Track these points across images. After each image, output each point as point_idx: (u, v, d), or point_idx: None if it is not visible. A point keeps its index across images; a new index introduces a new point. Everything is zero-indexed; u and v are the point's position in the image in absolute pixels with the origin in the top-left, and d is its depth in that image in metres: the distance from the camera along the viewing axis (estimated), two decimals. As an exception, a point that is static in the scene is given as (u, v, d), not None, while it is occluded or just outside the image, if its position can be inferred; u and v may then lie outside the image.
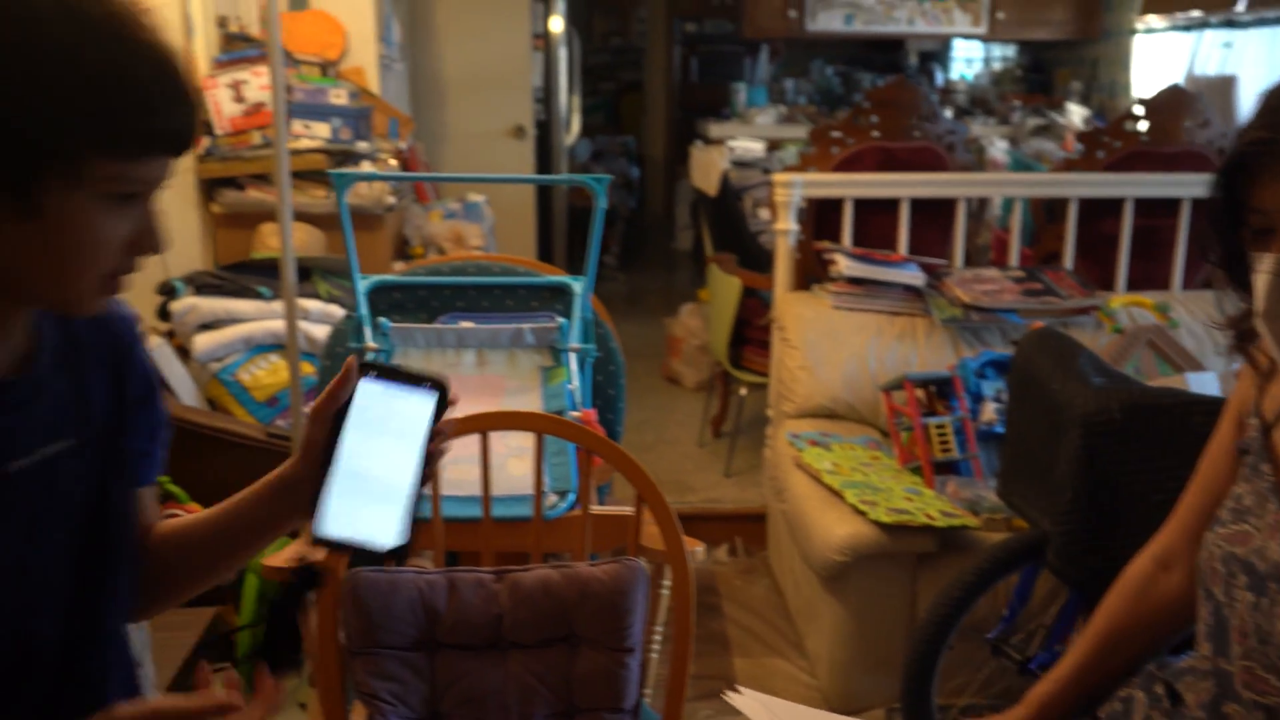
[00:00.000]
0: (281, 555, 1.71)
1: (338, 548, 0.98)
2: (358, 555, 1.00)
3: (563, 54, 5.83)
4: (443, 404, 0.99)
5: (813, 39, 6.73)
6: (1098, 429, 2.00)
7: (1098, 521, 2.01)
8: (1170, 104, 3.40)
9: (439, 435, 0.99)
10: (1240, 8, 4.44)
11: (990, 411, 2.77)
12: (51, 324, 0.95)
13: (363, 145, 3.38)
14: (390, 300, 2.28)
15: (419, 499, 0.98)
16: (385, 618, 1.48)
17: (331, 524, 0.96)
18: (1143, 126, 3.43)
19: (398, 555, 0.97)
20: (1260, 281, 1.01)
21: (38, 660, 0.92)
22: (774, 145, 5.35)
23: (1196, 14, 4.82)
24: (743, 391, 3.89)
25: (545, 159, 5.80)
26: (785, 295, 3.23)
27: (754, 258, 3.97)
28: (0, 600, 0.88)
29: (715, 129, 6.24)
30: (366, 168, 3.33)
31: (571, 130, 6.12)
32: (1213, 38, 4.82)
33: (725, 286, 3.76)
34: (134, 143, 0.82)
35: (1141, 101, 3.49)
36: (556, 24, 5.73)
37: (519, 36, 5.31)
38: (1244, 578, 1.08)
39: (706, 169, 4.90)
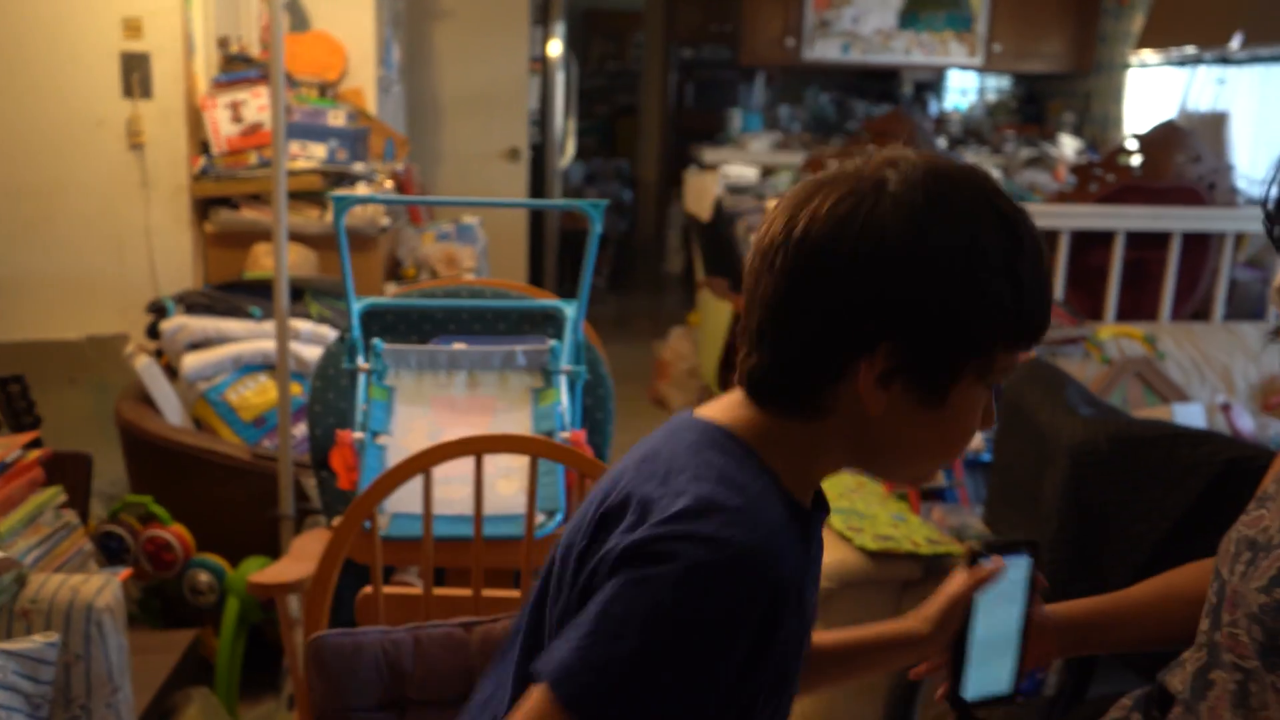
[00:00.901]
0: (265, 574, 1.71)
1: (974, 707, 1.15)
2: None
3: (560, 78, 5.87)
4: (1036, 563, 1.14)
5: (809, 67, 6.78)
6: (1085, 459, 2.01)
7: (1083, 550, 2.02)
8: (1163, 139, 3.43)
9: (1036, 593, 1.15)
10: (1234, 45, 4.49)
11: (978, 440, 2.78)
12: None
13: (359, 166, 3.39)
14: (383, 322, 2.28)
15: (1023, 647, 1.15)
16: (351, 680, 1.47)
17: (970, 689, 1.13)
18: (1135, 160, 3.46)
19: (1012, 700, 1.16)
20: None
21: None
22: (768, 171, 5.39)
23: (1191, 50, 4.87)
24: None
25: (539, 182, 5.83)
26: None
27: (746, 283, 3.98)
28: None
29: (710, 154, 6.27)
30: (362, 189, 3.34)
31: (566, 153, 6.15)
32: (1206, 74, 4.87)
33: (716, 310, 3.77)
34: (1031, 338, 0.92)
35: (1135, 136, 3.52)
36: (555, 48, 5.77)
37: (517, 60, 5.35)
38: (1247, 554, 1.13)
39: (700, 194, 4.93)
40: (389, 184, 3.46)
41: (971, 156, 5.89)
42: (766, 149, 6.33)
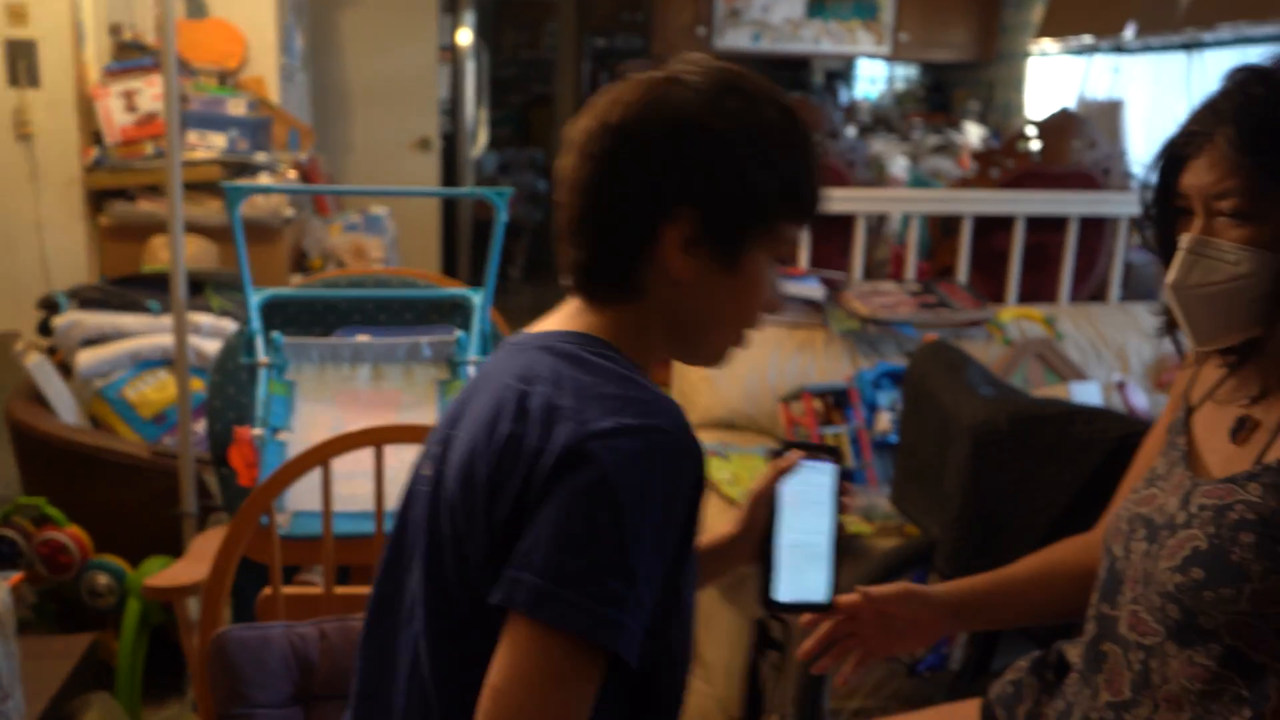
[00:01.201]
0: (160, 576, 1.66)
1: (787, 610, 1.18)
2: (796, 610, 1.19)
3: (470, 66, 5.81)
4: (840, 470, 1.18)
5: (721, 56, 6.80)
6: (985, 438, 2.05)
7: (985, 527, 2.06)
8: (1059, 126, 3.52)
9: (844, 499, 1.18)
10: (1128, 34, 4.62)
11: (885, 422, 2.83)
12: None
13: (261, 156, 3.32)
14: (285, 314, 2.24)
15: (837, 558, 1.16)
16: (258, 674, 1.44)
17: (783, 592, 1.15)
18: (1034, 147, 3.54)
19: (829, 610, 1.18)
20: (1177, 257, 1.12)
21: None
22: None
23: (1087, 39, 5.01)
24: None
25: (451, 171, 5.76)
26: (688, 309, 3.25)
27: (659, 272, 3.98)
28: None
29: (623, 143, 6.26)
30: (265, 179, 3.27)
31: (478, 143, 6.10)
32: (1102, 62, 5.01)
33: (630, 300, 3.77)
34: (807, 212, 1.03)
35: (1033, 123, 3.61)
36: (464, 36, 5.71)
37: (426, 48, 5.28)
38: (1143, 530, 1.17)
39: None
40: (292, 174, 3.40)
41: (880, 144, 5.98)
42: (679, 137, 6.34)
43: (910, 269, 3.48)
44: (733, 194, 0.97)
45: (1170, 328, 1.23)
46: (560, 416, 0.90)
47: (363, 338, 2.03)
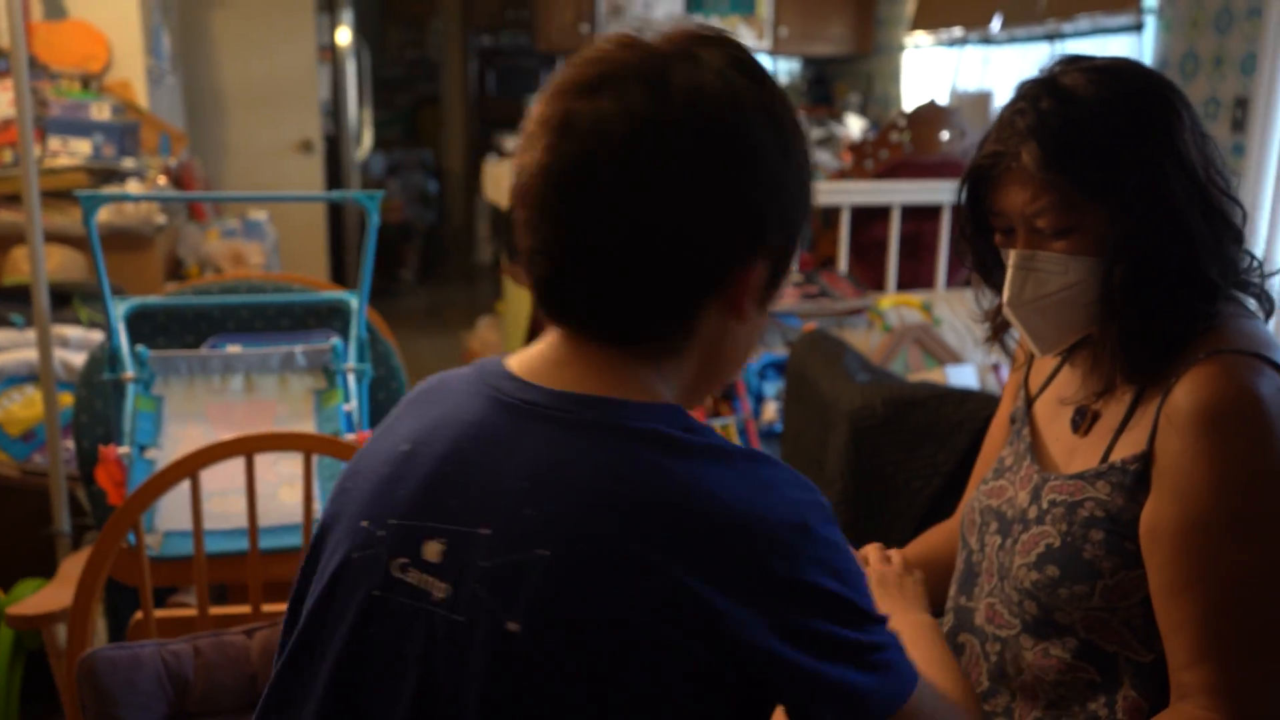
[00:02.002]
0: (26, 604, 1.60)
1: None
2: None
3: (351, 66, 5.71)
4: None
5: (606, 52, 6.81)
6: (862, 423, 2.11)
7: (867, 509, 2.12)
8: (929, 117, 3.62)
9: None
10: (995, 27, 4.77)
11: (771, 411, 2.88)
12: None
13: (128, 162, 3.21)
14: (154, 324, 2.18)
15: None
16: (129, 695, 1.39)
17: None
18: (905, 138, 3.64)
19: None
20: (1009, 274, 1.13)
21: None
22: (570, 157, 5.39)
23: (958, 32, 5.15)
24: (541, 403, 3.89)
25: (336, 174, 5.66)
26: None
27: (548, 270, 3.98)
28: None
29: (511, 142, 6.24)
30: (133, 186, 3.17)
31: (363, 144, 6.00)
32: (973, 54, 5.17)
33: (518, 297, 3.76)
34: (800, 245, 0.88)
35: (904, 114, 3.70)
36: (344, 36, 5.60)
37: (303, 48, 5.17)
38: (995, 524, 1.20)
39: (498, 181, 4.89)
40: (162, 180, 3.29)
41: (766, 137, 6.06)
42: (567, 135, 6.33)
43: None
44: (797, 227, 0.85)
45: (997, 333, 1.25)
46: (743, 537, 0.74)
47: (234, 348, 1.99)
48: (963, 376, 2.90)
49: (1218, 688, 0.97)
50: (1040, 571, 1.10)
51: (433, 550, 0.77)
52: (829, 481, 2.15)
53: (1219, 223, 1.07)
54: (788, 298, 3.16)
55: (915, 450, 2.12)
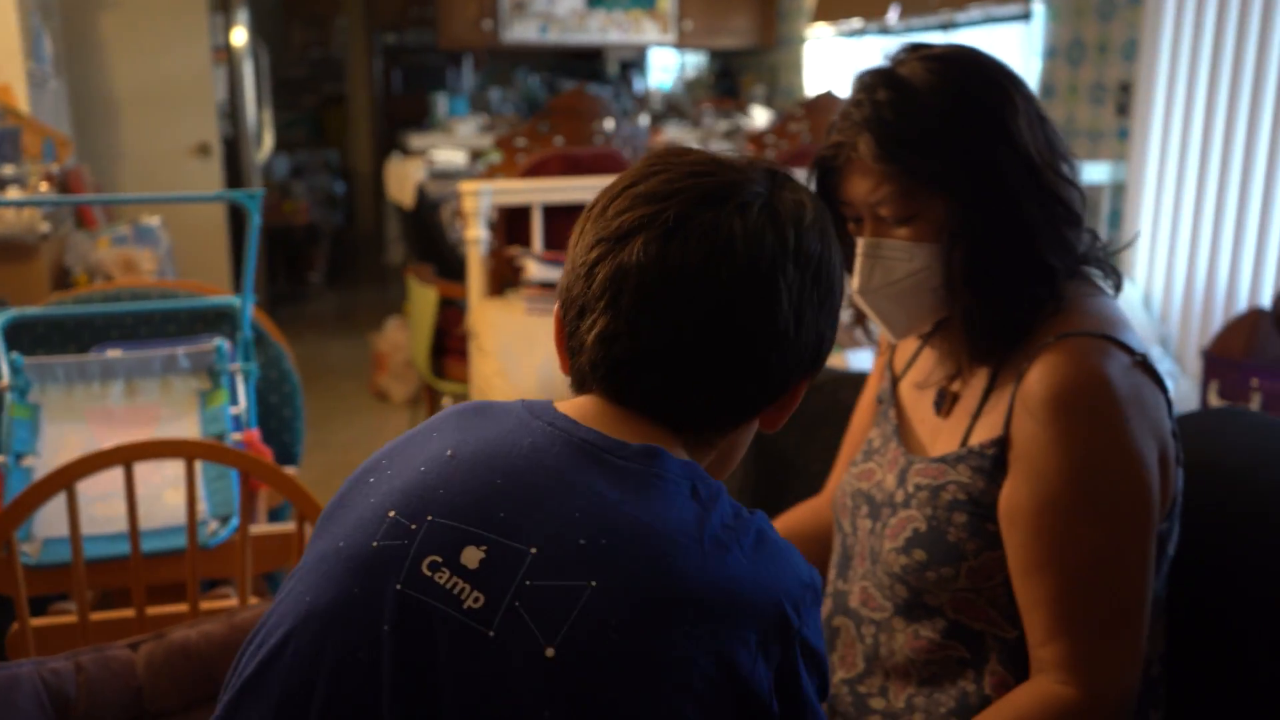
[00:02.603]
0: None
1: None
2: None
3: (248, 67, 5.58)
4: None
5: (513, 49, 6.79)
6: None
7: (767, 493, 2.14)
8: (824, 106, 3.67)
9: None
10: (892, 18, 4.86)
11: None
12: None
13: (9, 169, 3.10)
14: (34, 334, 2.11)
15: None
16: (9, 717, 1.35)
17: None
18: (805, 128, 3.68)
19: None
20: (857, 262, 1.14)
21: None
22: (478, 155, 5.36)
23: (857, 24, 5.24)
24: (447, 402, 3.87)
25: (236, 177, 5.54)
26: (479, 303, 3.23)
27: (454, 268, 3.95)
28: None
29: (417, 140, 6.17)
30: (13, 193, 3.06)
31: (264, 146, 5.87)
32: (872, 45, 5.25)
33: (422, 297, 3.72)
34: None
35: (801, 105, 3.75)
36: (239, 36, 5.48)
37: (197, 49, 5.04)
38: (865, 507, 1.21)
39: (401, 181, 4.84)
40: (45, 187, 3.19)
41: (673, 131, 6.09)
42: (474, 133, 6.29)
43: (696, 251, 3.56)
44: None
45: (860, 319, 1.28)
46: (776, 600, 0.76)
47: (114, 353, 1.93)
48: (861, 361, 2.94)
49: (1071, 663, 1.00)
50: (908, 555, 1.12)
51: (472, 556, 0.74)
52: (736, 468, 2.17)
53: (1056, 208, 1.09)
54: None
55: (815, 434, 2.15)
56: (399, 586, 0.74)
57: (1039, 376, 1.04)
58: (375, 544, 0.76)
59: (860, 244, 1.13)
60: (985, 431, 1.10)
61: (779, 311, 0.81)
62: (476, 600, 0.72)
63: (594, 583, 0.72)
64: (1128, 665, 1.01)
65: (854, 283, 1.14)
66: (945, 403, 1.18)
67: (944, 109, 1.07)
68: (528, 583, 0.72)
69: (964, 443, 1.12)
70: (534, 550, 0.73)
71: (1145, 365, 1.05)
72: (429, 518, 0.76)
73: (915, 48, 1.12)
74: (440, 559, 0.74)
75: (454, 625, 0.72)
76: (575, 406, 0.85)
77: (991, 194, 1.06)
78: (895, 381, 1.29)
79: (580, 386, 0.86)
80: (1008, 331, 1.09)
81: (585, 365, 0.84)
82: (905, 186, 1.08)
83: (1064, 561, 1.01)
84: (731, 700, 0.73)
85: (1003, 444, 1.07)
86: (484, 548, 0.74)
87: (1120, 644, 1.00)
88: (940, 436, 1.17)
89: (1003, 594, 1.08)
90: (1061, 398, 1.02)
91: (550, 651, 0.70)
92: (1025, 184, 1.07)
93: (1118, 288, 1.15)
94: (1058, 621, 1.01)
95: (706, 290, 0.79)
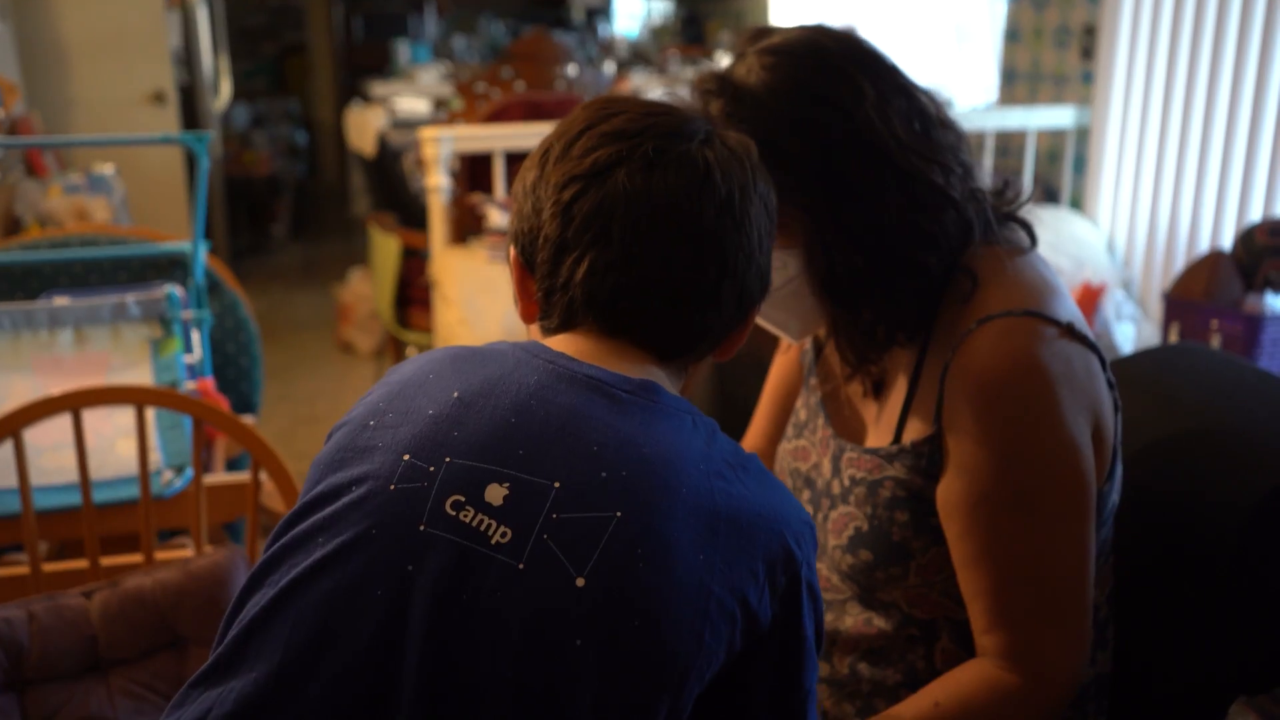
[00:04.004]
0: None
1: None
2: None
3: (203, 13, 5.45)
4: None
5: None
6: (727, 368, 2.12)
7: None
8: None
9: None
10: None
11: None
12: None
13: (-48, 115, 3.01)
14: (-20, 283, 2.06)
15: None
16: None
17: None
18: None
19: None
20: None
21: None
22: (441, 103, 5.27)
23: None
24: (412, 352, 3.84)
25: (193, 126, 5.42)
26: (441, 251, 3.19)
27: (416, 217, 3.90)
28: None
29: (379, 88, 6.06)
30: (-42, 140, 2.98)
31: (221, 95, 5.75)
32: (837, -12, 5.19)
33: (385, 247, 3.68)
34: None
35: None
36: (193, -20, 5.34)
37: (149, -6, 4.91)
38: (806, 492, 1.18)
39: (362, 129, 4.76)
40: (-9, 133, 3.10)
41: (639, 78, 6.02)
42: (437, 81, 6.19)
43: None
44: None
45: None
46: (780, 530, 0.80)
47: (62, 300, 1.89)
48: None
49: (1011, 652, 0.99)
50: (854, 555, 1.09)
51: (495, 494, 0.75)
52: (694, 413, 2.16)
53: (924, 191, 1.02)
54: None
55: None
56: (422, 527, 0.75)
57: (965, 367, 0.99)
58: (393, 487, 0.77)
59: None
60: (918, 425, 1.06)
61: (751, 237, 0.86)
62: (504, 535, 0.74)
63: (619, 513, 0.74)
64: (1071, 651, 0.99)
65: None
66: (866, 384, 1.13)
67: (779, 112, 1.01)
68: (554, 516, 0.74)
69: (897, 438, 1.07)
70: (557, 485, 0.75)
71: (1072, 331, 1.01)
72: (447, 459, 0.77)
73: (759, 34, 1.06)
74: (463, 498, 0.76)
75: (483, 559, 0.73)
76: (567, 343, 0.86)
77: (839, 199, 1.01)
78: (820, 346, 1.23)
79: (567, 324, 0.87)
80: (878, 337, 1.05)
81: (579, 300, 0.85)
82: None
83: (1000, 554, 0.99)
84: (740, 633, 0.77)
85: (936, 440, 1.03)
86: (507, 485, 0.76)
87: (1061, 631, 0.99)
88: (869, 420, 1.13)
89: (955, 583, 1.05)
90: (990, 389, 0.98)
91: (581, 581, 0.73)
92: (878, 179, 1.01)
93: (1033, 240, 1.10)
94: (997, 612, 0.99)
95: (694, 217, 0.83)
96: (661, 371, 0.86)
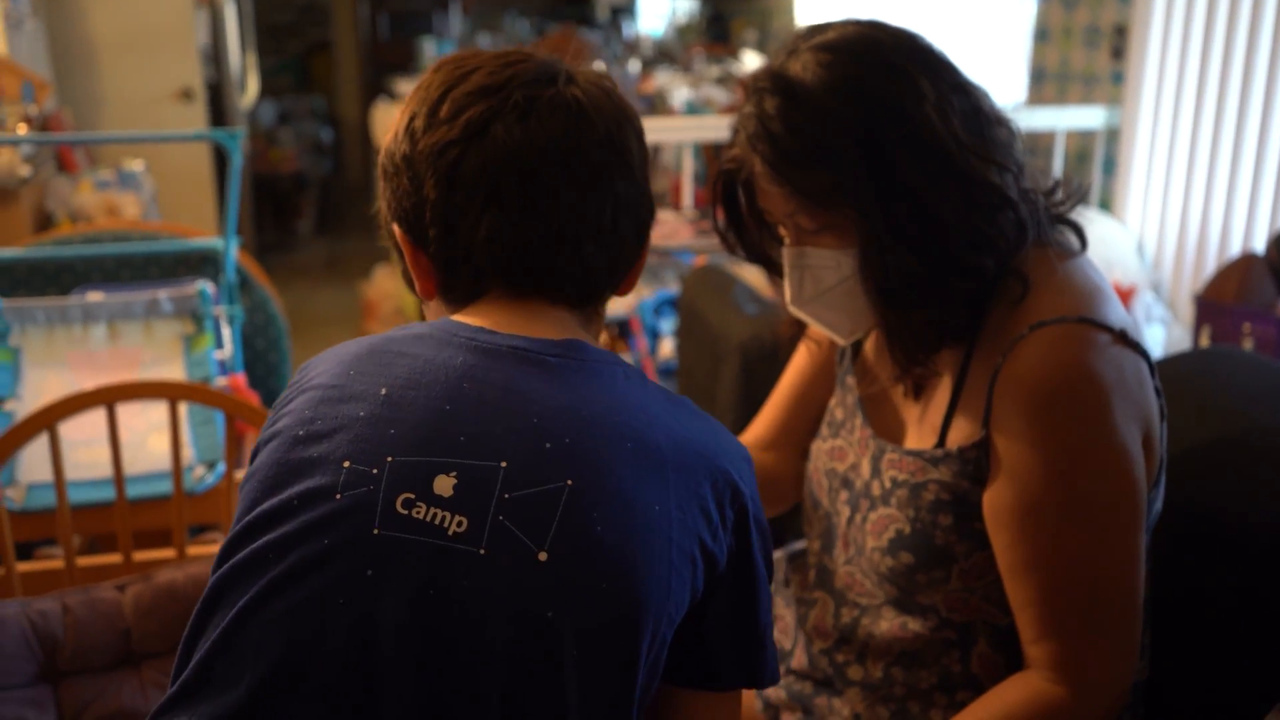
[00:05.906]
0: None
1: None
2: None
3: (231, 10, 5.48)
4: None
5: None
6: (753, 354, 2.11)
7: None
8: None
9: None
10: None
11: (668, 348, 2.88)
12: None
13: (-14, 111, 3.05)
14: (14, 278, 2.08)
15: None
16: None
17: None
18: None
19: None
20: (787, 274, 1.08)
21: None
22: (464, 100, 5.27)
23: (850, -35, 5.14)
24: (439, 350, 3.84)
25: (220, 123, 5.46)
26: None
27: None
28: None
29: (404, 86, 6.07)
30: (-8, 135, 3.01)
31: (248, 91, 5.79)
32: (864, -13, 5.16)
33: (411, 244, 3.68)
34: None
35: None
36: (221, -22, 5.38)
37: (178, -8, 4.95)
38: (844, 493, 1.16)
39: (387, 127, 4.75)
40: (23, 128, 3.13)
41: (664, 76, 6.01)
42: (462, 78, 6.19)
43: (687, 196, 3.52)
44: None
45: (801, 328, 1.24)
46: (724, 466, 0.82)
47: (95, 296, 1.90)
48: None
49: (1060, 662, 0.98)
50: (894, 558, 1.07)
51: (444, 484, 0.75)
52: (722, 413, 2.15)
53: (982, 193, 0.99)
54: (681, 234, 3.15)
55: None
56: (376, 531, 0.74)
57: (1017, 374, 0.98)
58: (339, 496, 0.75)
59: (786, 255, 1.07)
60: (964, 429, 1.04)
61: (635, 168, 0.87)
62: (460, 524, 0.74)
63: (570, 481, 0.75)
64: (1120, 663, 0.98)
65: (787, 294, 1.09)
66: (907, 384, 1.12)
67: (836, 112, 0.99)
68: (506, 496, 0.74)
69: (942, 441, 1.06)
70: (504, 464, 0.75)
71: (1124, 338, 0.99)
72: (388, 459, 0.75)
73: (814, 31, 1.03)
74: (413, 495, 0.74)
75: (443, 552, 0.73)
76: (480, 315, 0.84)
77: (896, 200, 0.98)
78: (858, 345, 1.21)
79: (474, 293, 0.86)
80: (932, 340, 1.04)
81: (484, 265, 0.83)
82: (807, 200, 1.01)
83: (1051, 563, 0.98)
84: (701, 576, 0.79)
85: (984, 446, 1.02)
86: (454, 474, 0.75)
87: (1111, 642, 0.98)
88: (912, 421, 1.12)
89: (996, 589, 1.04)
90: (1043, 398, 0.96)
91: (543, 555, 0.73)
92: (936, 180, 0.98)
93: (1084, 243, 1.09)
94: (1047, 621, 0.98)
95: (580, 158, 0.83)
96: (577, 323, 0.87)
